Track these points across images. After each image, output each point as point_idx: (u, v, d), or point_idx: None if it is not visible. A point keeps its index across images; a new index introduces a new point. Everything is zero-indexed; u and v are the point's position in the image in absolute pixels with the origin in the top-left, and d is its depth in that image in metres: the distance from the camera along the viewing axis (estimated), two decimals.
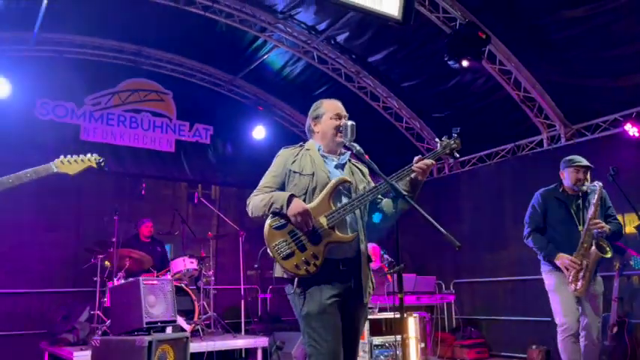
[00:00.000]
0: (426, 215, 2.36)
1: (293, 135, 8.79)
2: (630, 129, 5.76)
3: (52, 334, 5.69)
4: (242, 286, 6.71)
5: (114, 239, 5.85)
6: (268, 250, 2.49)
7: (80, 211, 6.91)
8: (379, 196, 2.68)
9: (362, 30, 6.65)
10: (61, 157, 2.59)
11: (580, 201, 3.93)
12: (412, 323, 5.30)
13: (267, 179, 2.67)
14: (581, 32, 5.53)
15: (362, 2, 4.43)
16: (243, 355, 6.23)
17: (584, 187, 3.89)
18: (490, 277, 7.24)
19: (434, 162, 2.63)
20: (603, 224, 3.74)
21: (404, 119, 8.02)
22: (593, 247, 3.71)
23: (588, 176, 3.92)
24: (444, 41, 6.04)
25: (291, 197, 2.45)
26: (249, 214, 2.63)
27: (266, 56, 7.40)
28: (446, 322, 7.44)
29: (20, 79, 6.41)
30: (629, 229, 5.64)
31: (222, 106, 8.26)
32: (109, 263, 5.85)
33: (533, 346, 6.16)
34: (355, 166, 2.79)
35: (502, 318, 7.06)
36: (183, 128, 8.03)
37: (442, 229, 2.29)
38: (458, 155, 2.74)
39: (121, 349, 3.81)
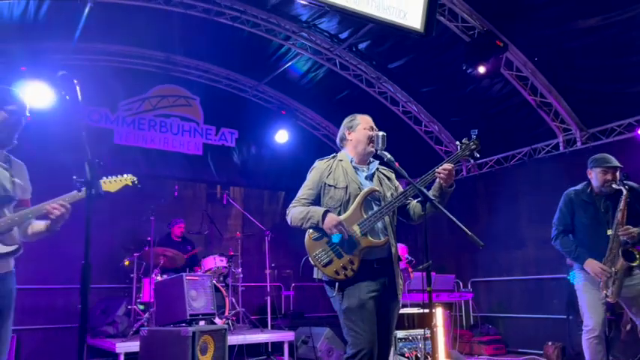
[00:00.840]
0: (451, 217, 2.61)
1: (314, 138, 9.09)
2: None
3: (91, 327, 5.98)
4: (268, 284, 7.02)
5: (149, 238, 6.22)
6: (310, 259, 2.79)
7: (114, 212, 7.21)
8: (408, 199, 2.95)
9: (383, 38, 6.90)
10: (104, 177, 2.89)
11: (609, 201, 3.72)
12: (440, 314, 5.49)
13: (304, 192, 2.94)
14: (595, 40, 5.72)
15: (386, 16, 4.67)
16: (270, 349, 6.54)
17: (613, 189, 3.68)
18: (506, 276, 7.47)
19: (453, 165, 2.79)
20: (632, 230, 3.56)
21: (423, 123, 8.25)
22: (620, 256, 3.59)
23: (618, 175, 3.72)
24: (462, 48, 6.28)
25: (325, 213, 2.73)
26: (289, 223, 2.91)
27: (290, 63, 7.68)
28: (464, 320, 7.67)
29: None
30: None
31: (247, 110, 8.54)
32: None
33: (549, 343, 6.34)
34: (382, 173, 3.05)
35: (518, 315, 7.27)
36: (210, 132, 8.34)
37: (467, 230, 2.56)
38: (478, 155, 2.85)
39: (167, 339, 4.12)
